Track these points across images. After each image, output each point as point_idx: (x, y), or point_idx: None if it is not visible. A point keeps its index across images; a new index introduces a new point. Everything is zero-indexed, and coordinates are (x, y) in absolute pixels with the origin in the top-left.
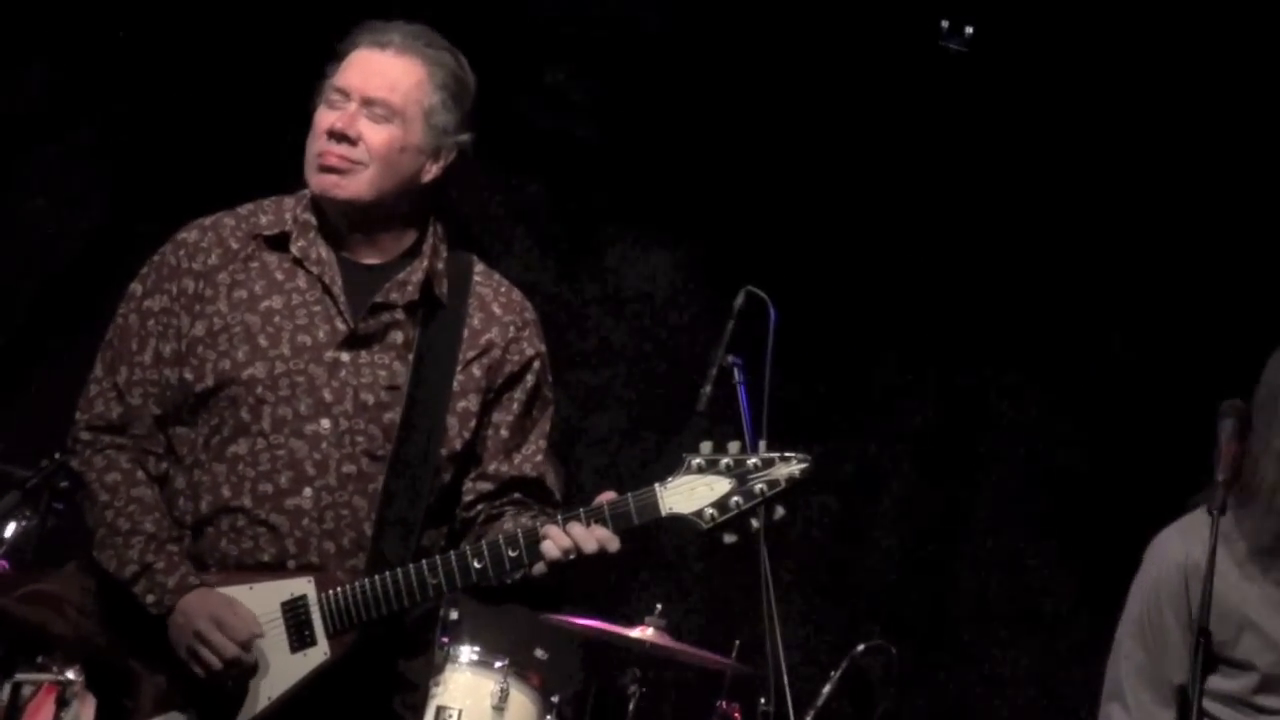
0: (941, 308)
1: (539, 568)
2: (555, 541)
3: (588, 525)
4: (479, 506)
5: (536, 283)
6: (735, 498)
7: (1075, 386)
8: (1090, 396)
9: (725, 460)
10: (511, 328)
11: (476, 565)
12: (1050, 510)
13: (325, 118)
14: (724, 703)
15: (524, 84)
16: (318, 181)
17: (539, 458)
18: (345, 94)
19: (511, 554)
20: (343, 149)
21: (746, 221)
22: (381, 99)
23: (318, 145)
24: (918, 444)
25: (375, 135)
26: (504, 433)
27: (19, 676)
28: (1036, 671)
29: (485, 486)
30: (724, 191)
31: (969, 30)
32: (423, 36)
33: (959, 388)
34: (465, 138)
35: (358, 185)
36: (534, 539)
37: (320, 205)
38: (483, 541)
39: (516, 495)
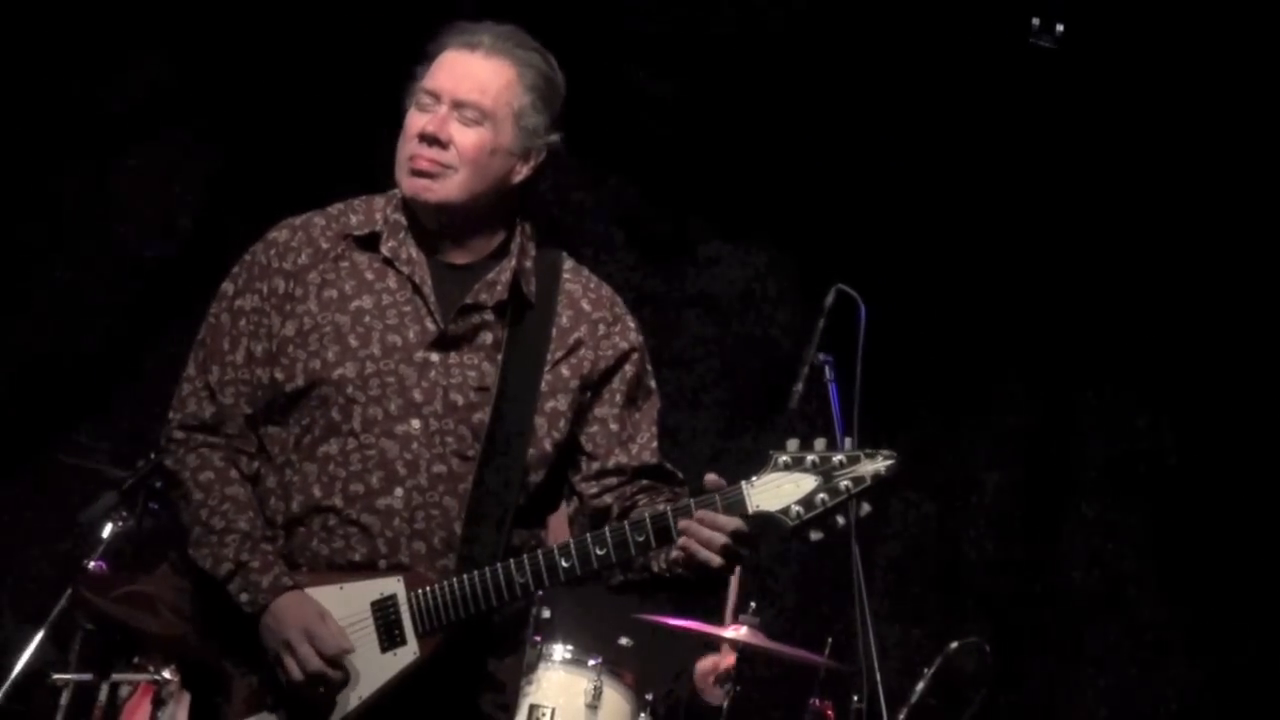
0: (1035, 305)
1: (672, 553)
2: (683, 528)
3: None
4: (607, 500)
5: (627, 282)
6: (821, 495)
7: (1170, 386)
8: (1185, 396)
9: (811, 457)
10: (601, 324)
11: (599, 552)
12: (1144, 510)
13: (416, 121)
14: (817, 700)
15: (614, 83)
16: (409, 185)
17: (655, 444)
18: (435, 96)
19: (638, 539)
20: (433, 152)
21: (837, 219)
22: (472, 101)
23: (409, 148)
24: (1012, 441)
25: (466, 138)
26: (613, 426)
27: (116, 677)
28: (1129, 670)
29: (609, 481)
30: (815, 189)
31: (1060, 28)
32: (512, 37)
33: (1053, 385)
34: (555, 138)
35: (448, 188)
36: (661, 524)
37: (410, 205)
38: (606, 530)
39: (644, 483)
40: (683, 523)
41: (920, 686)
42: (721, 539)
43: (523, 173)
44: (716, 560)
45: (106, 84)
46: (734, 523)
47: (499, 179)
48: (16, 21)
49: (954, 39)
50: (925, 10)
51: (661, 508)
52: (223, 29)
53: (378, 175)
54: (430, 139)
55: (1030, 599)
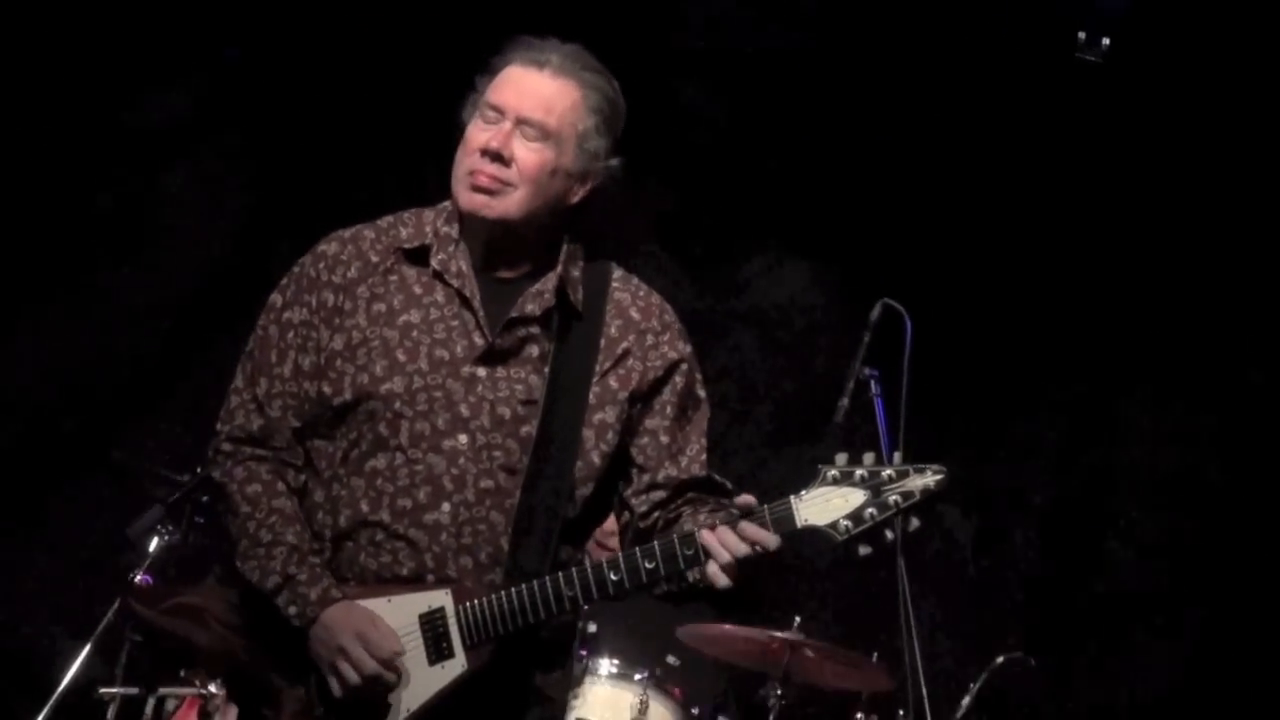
0: (1079, 319)
1: (714, 567)
2: (718, 538)
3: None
4: (655, 514)
5: (673, 297)
6: (870, 509)
7: (1214, 396)
8: (1228, 406)
9: (860, 472)
10: (650, 334)
11: (648, 565)
12: (1189, 524)
13: (479, 135)
14: (862, 714)
15: (661, 98)
16: (468, 200)
17: (704, 456)
18: (500, 111)
19: (687, 552)
20: (494, 169)
21: (883, 234)
22: (537, 120)
23: (469, 162)
24: (1056, 455)
25: (528, 157)
26: (663, 438)
27: (163, 690)
28: (1176, 685)
29: (659, 495)
30: (860, 204)
31: (1105, 42)
32: (579, 58)
33: (1097, 397)
34: (614, 163)
35: (506, 205)
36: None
37: (460, 219)
38: (655, 543)
39: (691, 495)
40: (719, 531)
41: (966, 701)
42: (756, 552)
43: (579, 194)
44: (741, 570)
45: (152, 98)
46: (770, 538)
47: (556, 199)
48: (60, 37)
49: (1000, 53)
50: (972, 25)
51: (709, 520)
52: (268, 42)
53: (427, 187)
54: (493, 154)
55: (1075, 612)
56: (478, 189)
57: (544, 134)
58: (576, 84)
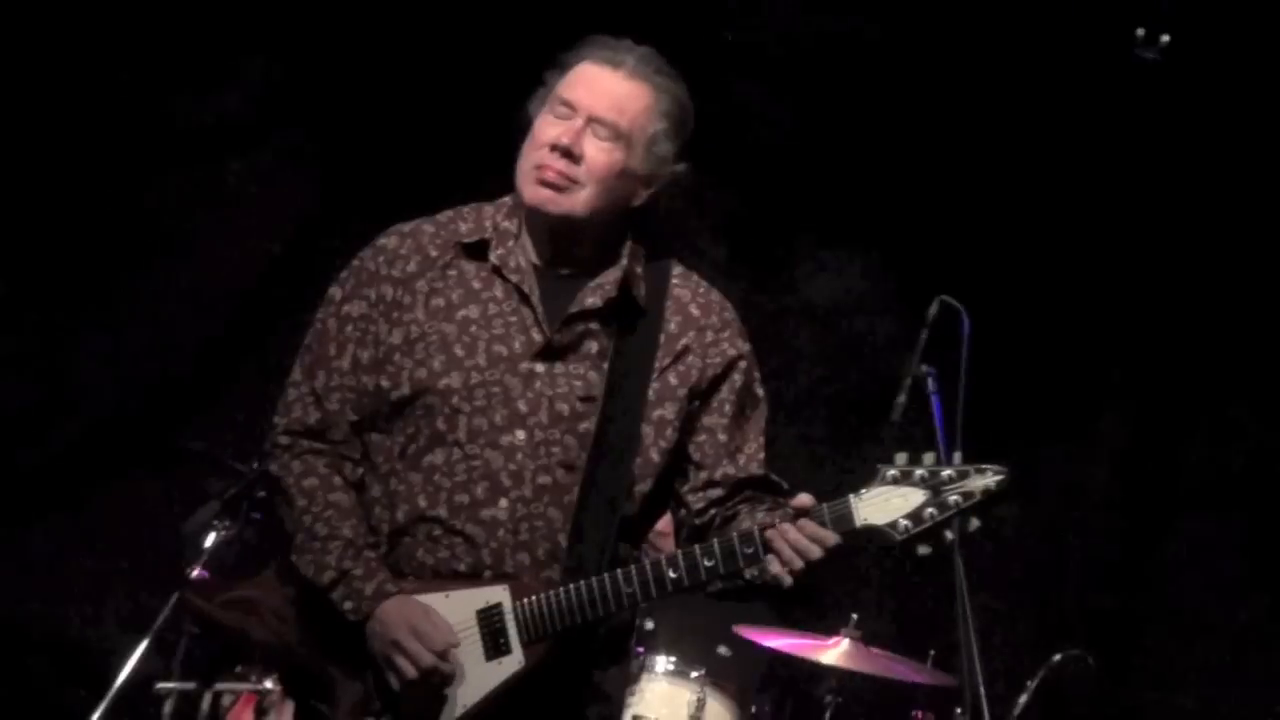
0: (1138, 315)
1: (773, 565)
2: (777, 536)
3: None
4: (712, 512)
5: (728, 293)
6: (930, 509)
7: (1275, 394)
8: None
9: (920, 472)
10: (709, 331)
11: (707, 563)
12: (1250, 522)
13: (549, 129)
14: (919, 713)
15: (717, 94)
16: (534, 194)
17: (762, 455)
18: (572, 108)
19: (746, 551)
20: (563, 164)
21: (940, 230)
22: (610, 120)
23: (537, 156)
24: (1115, 453)
25: (598, 156)
26: (721, 436)
27: (219, 686)
28: (1235, 684)
29: (716, 493)
30: (917, 201)
31: (1164, 39)
32: (654, 62)
33: (1156, 395)
34: (681, 168)
35: (572, 202)
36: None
37: (521, 214)
38: (715, 541)
39: (747, 494)
40: (781, 529)
41: (1023, 699)
42: (816, 551)
43: (643, 197)
44: (802, 568)
45: (217, 88)
46: (829, 536)
47: (621, 200)
48: (122, 33)
49: (1058, 51)
50: (1029, 22)
51: (771, 520)
52: (326, 36)
53: (485, 182)
54: (563, 150)
55: (1133, 611)
56: (544, 183)
57: (615, 134)
58: (650, 87)
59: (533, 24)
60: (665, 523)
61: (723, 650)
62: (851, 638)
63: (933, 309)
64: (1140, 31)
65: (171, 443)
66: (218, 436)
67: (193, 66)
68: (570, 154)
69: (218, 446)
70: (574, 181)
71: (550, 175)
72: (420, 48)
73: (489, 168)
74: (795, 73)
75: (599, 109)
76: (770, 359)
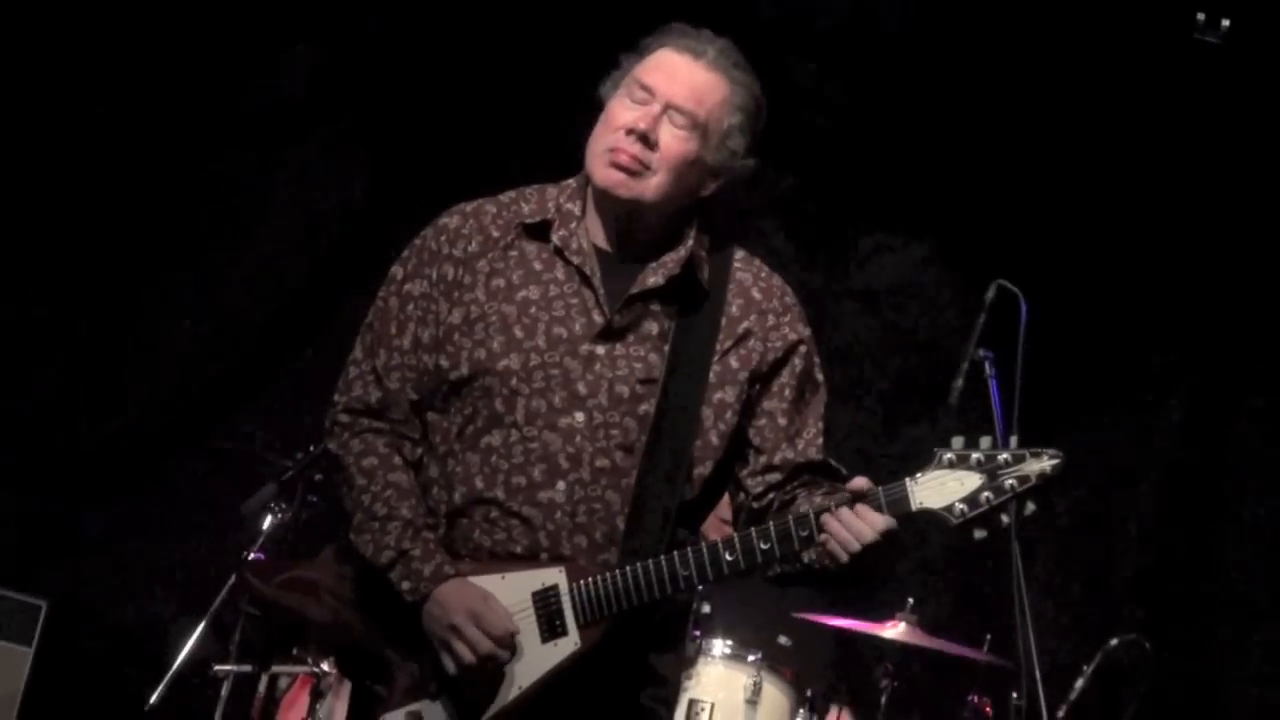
0: (1196, 301)
1: (831, 549)
2: (834, 519)
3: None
4: (770, 496)
5: (785, 275)
6: (985, 493)
7: None
8: None
9: (976, 455)
10: (771, 315)
11: (763, 546)
12: None
13: (625, 112)
14: (976, 697)
15: (776, 76)
16: (605, 176)
17: (820, 440)
18: (650, 92)
19: (802, 533)
20: (638, 149)
21: (998, 215)
22: (688, 109)
23: (612, 139)
24: (1174, 437)
25: (673, 143)
26: (781, 420)
27: (276, 668)
28: None
29: (774, 477)
30: (976, 185)
31: (1225, 23)
32: (733, 55)
33: (1214, 381)
34: (751, 163)
35: (644, 187)
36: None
37: (584, 196)
38: (771, 523)
39: (805, 478)
40: (838, 513)
41: (1080, 683)
42: (871, 534)
43: (711, 188)
44: (858, 553)
45: (272, 76)
46: (885, 520)
47: (690, 189)
48: (174, 20)
49: (1118, 33)
50: (1090, 4)
51: (827, 503)
52: (378, 22)
53: (547, 167)
54: (640, 135)
55: (1190, 597)
56: (617, 166)
57: (692, 124)
58: (728, 80)
59: (587, 9)
60: (725, 509)
61: (783, 640)
62: (908, 622)
63: (990, 293)
64: (1201, 16)
65: (208, 442)
66: (271, 422)
67: (244, 55)
68: (646, 139)
69: (270, 433)
70: (646, 167)
71: (623, 159)
72: (479, 34)
73: (552, 151)
74: (850, 55)
75: (678, 97)
76: (826, 343)
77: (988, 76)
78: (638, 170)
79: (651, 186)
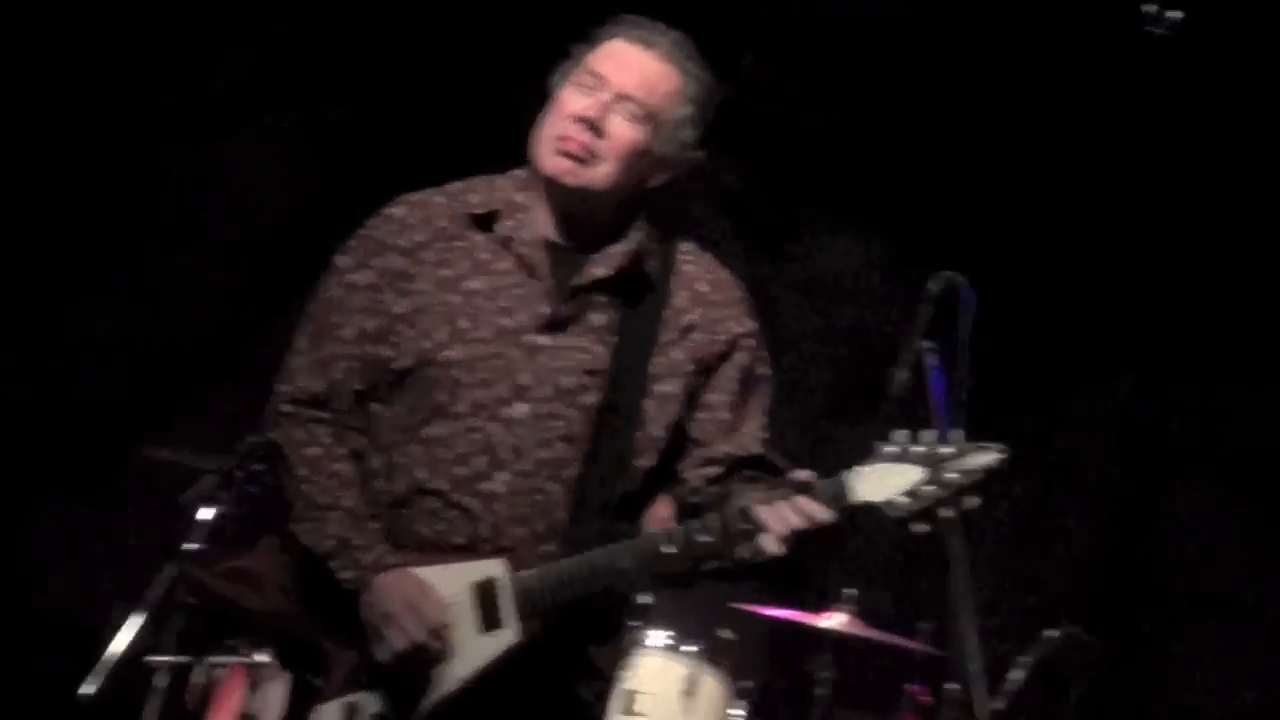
0: (1140, 293)
1: (767, 542)
2: (773, 512)
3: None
4: (709, 489)
5: (730, 267)
6: (928, 487)
7: (1275, 374)
8: None
9: (919, 449)
10: (717, 308)
11: (703, 539)
12: (1247, 499)
13: (574, 100)
14: (914, 687)
15: (721, 66)
16: (553, 164)
17: (763, 434)
18: (600, 80)
19: (742, 526)
20: (587, 137)
21: (943, 206)
22: (639, 99)
23: (561, 126)
24: (1115, 431)
25: (623, 133)
26: (723, 414)
27: (212, 659)
28: (1232, 660)
29: (713, 470)
30: (922, 176)
31: (1175, 14)
32: (686, 48)
33: (1157, 374)
34: (700, 155)
35: (592, 176)
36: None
37: (532, 187)
38: (712, 516)
39: (746, 472)
40: (777, 506)
41: (1019, 674)
42: (811, 529)
43: (659, 180)
44: (798, 547)
45: (208, 67)
46: (826, 514)
47: (638, 180)
48: (116, 5)
49: (1067, 24)
50: None
51: (765, 496)
52: (332, 9)
53: (493, 158)
54: (589, 123)
55: (1131, 588)
56: (565, 153)
57: (643, 114)
58: (680, 71)
59: (529, 1)
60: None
61: (726, 633)
62: (845, 612)
63: (935, 284)
64: (1150, 7)
65: (138, 451)
66: (212, 413)
67: (183, 49)
68: (595, 127)
69: (186, 450)
70: (595, 155)
71: (572, 146)
72: (426, 22)
73: (499, 142)
74: (798, 46)
75: (629, 86)
76: (769, 332)
77: (934, 67)
78: (586, 158)
79: (599, 175)
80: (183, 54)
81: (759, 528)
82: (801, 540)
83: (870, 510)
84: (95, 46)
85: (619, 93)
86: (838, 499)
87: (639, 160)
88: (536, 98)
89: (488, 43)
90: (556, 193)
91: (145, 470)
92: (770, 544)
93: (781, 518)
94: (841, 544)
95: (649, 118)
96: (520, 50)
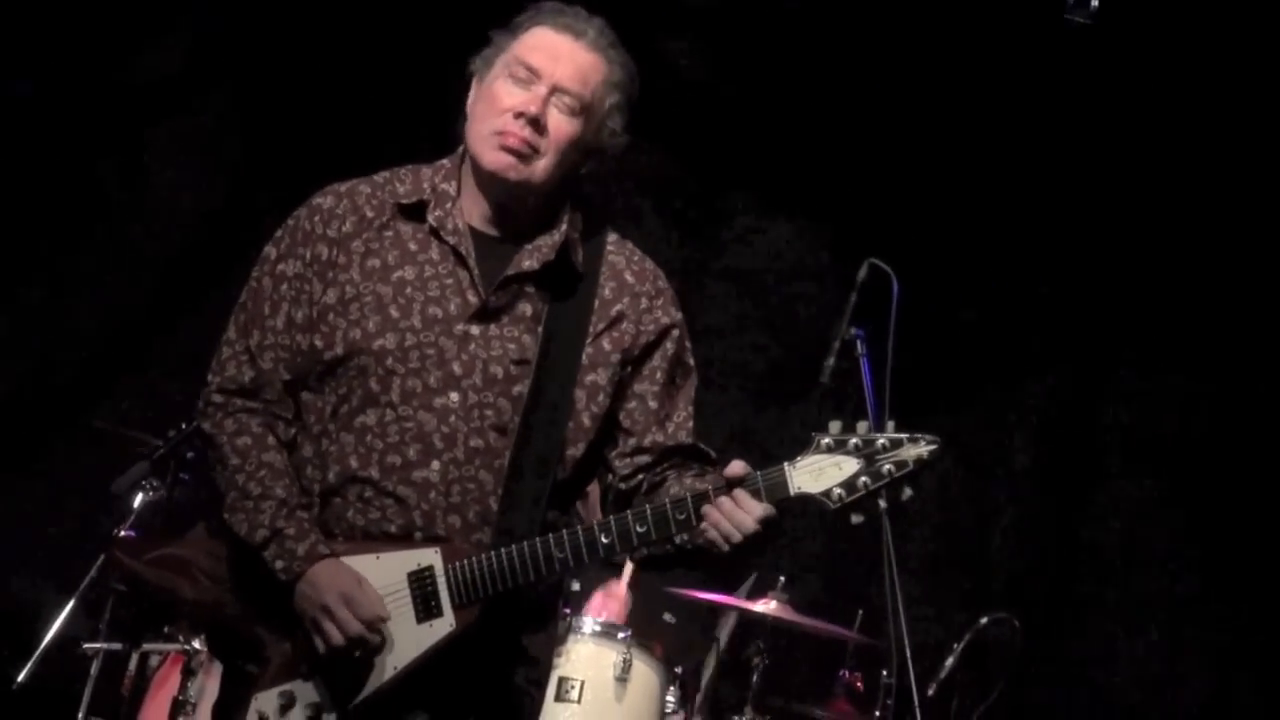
0: (1066, 278)
1: (711, 535)
2: (710, 503)
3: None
4: (639, 478)
5: (658, 254)
6: (863, 478)
7: (1200, 357)
8: (1215, 367)
9: (854, 440)
10: (644, 298)
11: (639, 529)
12: (1176, 485)
13: (512, 95)
14: (847, 673)
15: (648, 52)
16: (494, 160)
17: (690, 423)
18: (534, 73)
19: (679, 517)
20: (528, 133)
21: (870, 194)
22: (575, 91)
23: (500, 122)
24: (1042, 417)
25: (562, 127)
26: (652, 403)
27: (146, 646)
28: (1159, 643)
29: (643, 459)
30: (848, 163)
31: (1095, 2)
32: (609, 34)
33: (1084, 359)
34: (624, 139)
35: (534, 171)
36: (701, 503)
37: (459, 176)
38: (646, 507)
39: (675, 460)
40: (717, 501)
41: (950, 661)
42: (751, 523)
43: (588, 166)
44: (739, 540)
45: (137, 55)
46: (764, 508)
47: (572, 170)
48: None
49: (989, 13)
50: None
51: (703, 487)
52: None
53: (418, 147)
54: (530, 119)
55: (1059, 574)
56: (507, 149)
57: (579, 106)
58: (606, 59)
59: None
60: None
61: (667, 617)
62: (779, 600)
63: (862, 272)
64: None
65: (84, 419)
66: (143, 401)
67: (118, 29)
68: (537, 123)
69: (144, 410)
70: (536, 150)
71: (513, 142)
72: (351, 9)
73: (424, 131)
74: (728, 33)
75: (564, 79)
76: (698, 321)
77: (861, 55)
78: (527, 154)
79: (539, 169)
80: (111, 42)
81: (697, 519)
82: (738, 531)
83: (808, 501)
84: (32, 32)
85: (555, 85)
86: (776, 491)
87: (573, 152)
88: (461, 85)
89: (414, 31)
90: (495, 186)
91: (77, 454)
92: (713, 539)
93: (724, 514)
94: (777, 535)
95: (584, 109)
96: (444, 37)
